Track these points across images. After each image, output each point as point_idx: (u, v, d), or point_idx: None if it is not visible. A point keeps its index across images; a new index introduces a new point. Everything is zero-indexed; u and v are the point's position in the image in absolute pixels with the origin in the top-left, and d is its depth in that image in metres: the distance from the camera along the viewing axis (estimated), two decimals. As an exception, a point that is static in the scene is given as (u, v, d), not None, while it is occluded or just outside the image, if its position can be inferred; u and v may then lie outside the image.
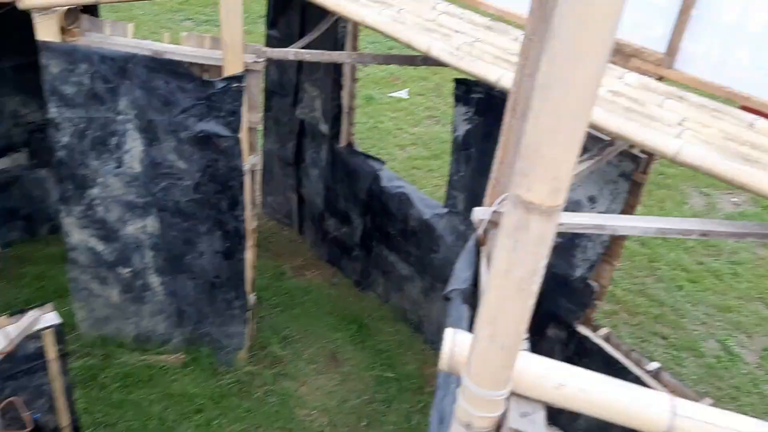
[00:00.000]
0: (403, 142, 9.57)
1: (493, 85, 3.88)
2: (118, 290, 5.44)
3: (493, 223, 2.89)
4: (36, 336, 4.02)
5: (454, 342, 2.01)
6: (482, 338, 1.78)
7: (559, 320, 4.77)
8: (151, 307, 5.51)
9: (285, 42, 5.92)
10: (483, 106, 4.99)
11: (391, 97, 10.69)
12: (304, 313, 6.45)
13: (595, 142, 3.79)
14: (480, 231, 3.01)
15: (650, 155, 4.06)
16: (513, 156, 2.89)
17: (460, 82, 5.03)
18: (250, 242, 5.30)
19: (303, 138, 6.96)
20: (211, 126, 4.78)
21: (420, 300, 6.07)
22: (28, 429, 3.48)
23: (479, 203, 5.31)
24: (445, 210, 5.58)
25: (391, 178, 6.18)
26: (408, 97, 10.79)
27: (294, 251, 7.43)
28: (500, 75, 3.86)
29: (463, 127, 5.16)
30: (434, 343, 6.04)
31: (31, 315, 3.95)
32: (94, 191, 5.05)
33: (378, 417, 5.38)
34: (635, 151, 4.10)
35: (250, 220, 5.23)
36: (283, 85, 6.85)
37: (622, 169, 4.19)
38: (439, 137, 9.79)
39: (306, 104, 6.72)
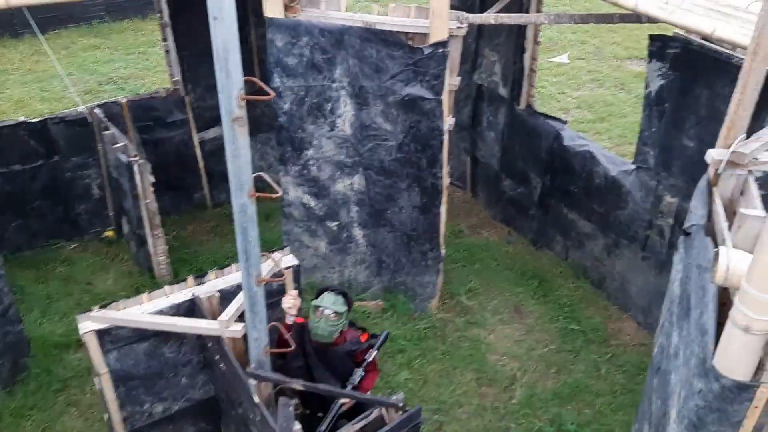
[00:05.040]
0: (566, 106, 9.63)
1: (708, 37, 3.97)
2: (326, 242, 6.06)
3: (731, 163, 3.05)
4: (278, 274, 4.66)
5: (729, 258, 2.25)
6: (773, 247, 2.01)
7: None
8: (353, 257, 6.08)
9: (464, 9, 6.20)
10: (679, 61, 5.03)
11: (551, 62, 10.73)
12: (485, 268, 6.80)
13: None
14: (712, 171, 3.17)
15: None
16: (752, 96, 3.03)
17: (654, 38, 5.11)
18: (444, 198, 5.71)
19: (479, 102, 7.26)
20: (417, 90, 5.20)
21: (602, 257, 6.22)
22: (292, 348, 4.05)
23: (672, 159, 5.38)
24: (634, 166, 5.67)
25: (573, 137, 6.35)
26: (568, 61, 10.77)
27: (468, 211, 7.79)
28: (714, 27, 3.94)
29: (657, 83, 5.23)
30: (617, 299, 6.17)
31: (277, 255, 4.58)
32: (309, 152, 5.65)
33: (566, 365, 5.64)
34: None
35: (446, 177, 5.62)
36: (462, 52, 7.15)
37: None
38: (604, 100, 9.74)
39: (485, 69, 7.00)
